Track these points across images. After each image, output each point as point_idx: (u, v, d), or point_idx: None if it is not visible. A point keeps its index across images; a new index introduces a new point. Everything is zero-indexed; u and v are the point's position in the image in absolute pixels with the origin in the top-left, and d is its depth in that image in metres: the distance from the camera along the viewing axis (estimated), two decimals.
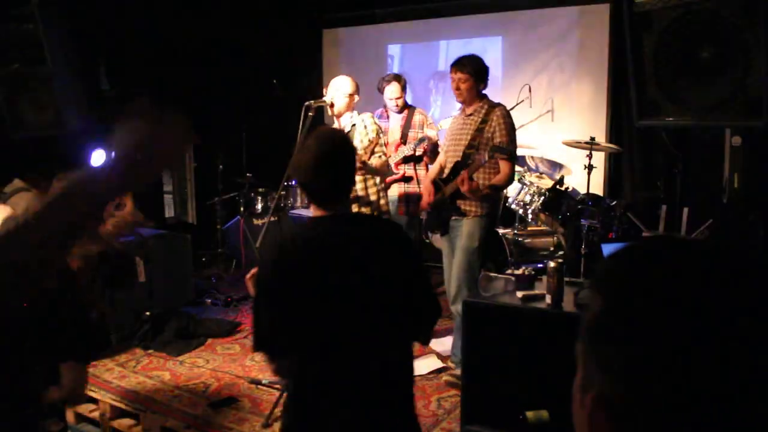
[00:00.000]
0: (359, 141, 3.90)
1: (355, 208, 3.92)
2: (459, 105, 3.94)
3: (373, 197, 3.96)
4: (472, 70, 3.69)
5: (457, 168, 3.75)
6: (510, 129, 3.69)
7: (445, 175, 3.89)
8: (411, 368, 2.03)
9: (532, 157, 5.40)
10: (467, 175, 3.56)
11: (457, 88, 3.74)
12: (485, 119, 3.70)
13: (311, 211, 1.99)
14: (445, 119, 5.12)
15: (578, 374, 0.63)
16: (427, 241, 5.67)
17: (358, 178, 3.90)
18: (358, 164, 3.71)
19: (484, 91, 3.83)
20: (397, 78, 5.04)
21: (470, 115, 3.78)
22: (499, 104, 3.80)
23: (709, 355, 0.54)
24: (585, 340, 0.62)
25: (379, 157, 3.91)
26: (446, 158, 3.93)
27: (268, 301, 1.92)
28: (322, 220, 1.97)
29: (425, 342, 2.20)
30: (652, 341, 0.56)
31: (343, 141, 2.03)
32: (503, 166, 3.68)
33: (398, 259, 1.96)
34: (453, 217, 3.81)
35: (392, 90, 4.95)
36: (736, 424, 0.54)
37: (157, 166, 1.15)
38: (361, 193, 3.92)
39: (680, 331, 0.55)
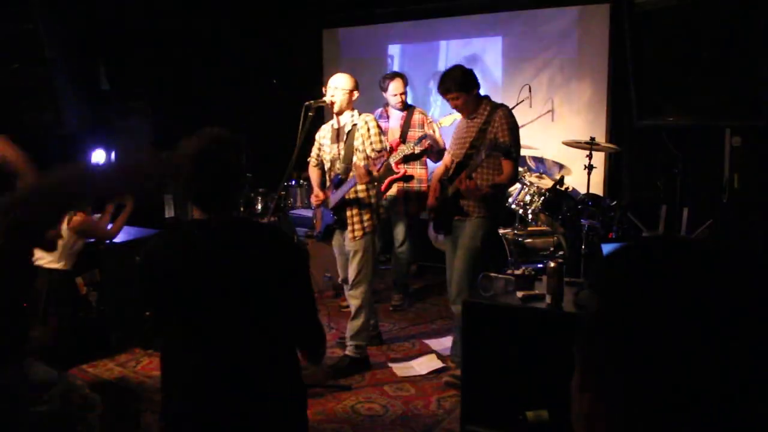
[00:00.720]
0: (360, 143, 3.88)
1: (355, 209, 3.91)
2: None
3: (373, 200, 3.96)
4: (456, 85, 3.67)
5: (459, 168, 3.75)
6: (512, 129, 3.67)
7: (449, 176, 3.88)
8: (285, 385, 1.92)
9: (532, 157, 5.40)
10: (465, 175, 3.56)
11: (455, 107, 3.76)
12: (488, 120, 3.70)
13: (197, 215, 1.88)
14: (444, 117, 5.11)
15: (576, 374, 0.63)
16: (433, 241, 5.66)
17: None
18: (363, 173, 3.71)
19: (485, 93, 3.83)
20: (400, 75, 5.06)
21: (474, 117, 3.78)
22: (501, 105, 3.79)
23: (709, 355, 0.54)
24: (583, 340, 0.62)
25: None
26: (451, 159, 3.93)
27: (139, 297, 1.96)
28: (198, 225, 1.89)
29: (314, 362, 2.11)
30: (651, 341, 0.56)
31: (227, 142, 1.86)
32: (505, 165, 3.66)
33: (274, 272, 1.85)
34: (456, 218, 3.80)
35: (396, 86, 4.96)
36: (736, 424, 0.53)
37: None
38: (361, 194, 3.92)
39: (680, 331, 0.55)
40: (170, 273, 1.86)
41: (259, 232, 2.01)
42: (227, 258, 1.84)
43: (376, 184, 4.00)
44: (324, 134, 4.14)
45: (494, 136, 3.63)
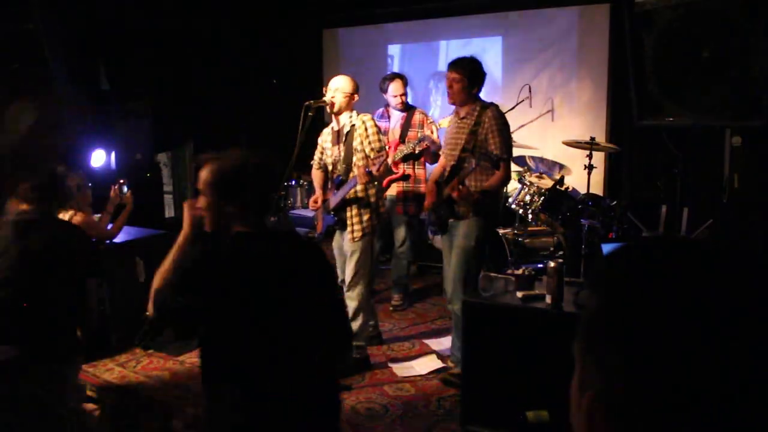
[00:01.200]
0: (358, 143, 3.88)
1: (354, 210, 3.91)
2: None
3: (372, 200, 3.95)
4: (466, 71, 3.68)
5: (453, 172, 3.75)
6: (502, 130, 3.67)
7: (445, 178, 3.88)
8: (328, 387, 2.02)
9: (532, 157, 5.40)
10: (458, 182, 3.56)
11: (450, 87, 3.75)
12: (478, 121, 3.70)
13: (239, 227, 1.95)
14: (443, 118, 5.11)
15: (576, 374, 0.63)
16: (429, 241, 5.66)
17: None
18: (362, 173, 3.72)
19: (485, 94, 3.82)
20: (399, 75, 5.06)
21: (464, 117, 3.78)
22: (491, 104, 3.79)
23: (708, 355, 0.54)
24: (583, 340, 0.62)
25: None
26: (445, 161, 3.93)
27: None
28: (248, 237, 1.96)
29: (343, 362, 2.23)
30: (651, 341, 0.55)
31: (266, 157, 2.05)
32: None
33: (313, 280, 1.99)
34: (451, 219, 3.81)
35: (396, 87, 4.95)
36: (736, 424, 0.53)
37: None
38: (361, 195, 3.91)
39: (680, 331, 0.55)
40: (246, 283, 1.89)
41: (298, 244, 2.18)
42: (281, 269, 1.94)
43: (375, 183, 4.00)
44: (325, 138, 4.14)
45: (484, 137, 3.63)
